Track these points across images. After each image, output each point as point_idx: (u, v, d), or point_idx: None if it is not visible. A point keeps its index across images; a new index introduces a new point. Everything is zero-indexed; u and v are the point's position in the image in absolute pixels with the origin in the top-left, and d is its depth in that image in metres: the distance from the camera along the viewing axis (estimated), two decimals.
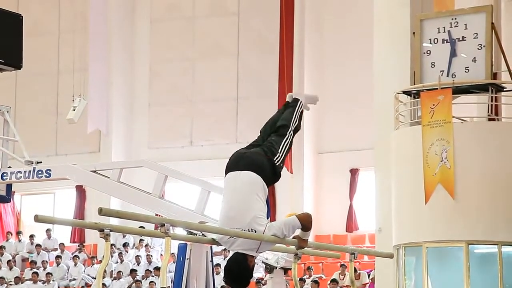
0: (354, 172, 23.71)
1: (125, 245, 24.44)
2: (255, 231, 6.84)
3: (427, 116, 15.16)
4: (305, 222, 7.03)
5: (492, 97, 15.30)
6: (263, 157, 7.05)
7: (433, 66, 15.54)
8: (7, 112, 14.21)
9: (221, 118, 25.30)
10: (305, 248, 7.43)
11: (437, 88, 15.08)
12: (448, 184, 14.95)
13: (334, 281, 19.81)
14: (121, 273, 22.82)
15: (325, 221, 23.03)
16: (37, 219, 7.27)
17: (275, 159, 7.09)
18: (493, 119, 15.55)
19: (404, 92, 15.76)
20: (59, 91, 26.11)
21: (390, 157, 16.00)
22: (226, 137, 25.17)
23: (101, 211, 6.95)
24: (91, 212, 25.24)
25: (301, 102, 7.45)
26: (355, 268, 20.17)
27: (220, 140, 25.18)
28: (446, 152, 14.99)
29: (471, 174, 14.93)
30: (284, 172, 25.45)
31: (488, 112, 15.46)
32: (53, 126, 26.51)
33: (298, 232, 7.15)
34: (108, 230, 6.94)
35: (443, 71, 15.41)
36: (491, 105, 15.42)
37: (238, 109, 25.29)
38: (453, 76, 15.40)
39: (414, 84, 15.63)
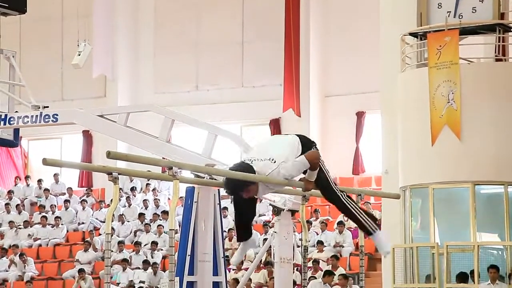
0: (360, 115, 23.69)
1: (132, 189, 24.58)
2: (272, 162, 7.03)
3: (433, 58, 15.10)
4: (313, 161, 7.10)
5: (499, 37, 15.21)
6: None
7: (439, 7, 15.42)
8: (13, 56, 14.17)
9: (226, 63, 25.22)
10: (312, 190, 7.46)
11: (444, 29, 14.99)
12: (454, 125, 14.95)
13: (340, 223, 19.93)
14: (127, 217, 23.00)
15: (331, 164, 22.91)
16: (46, 162, 7.30)
17: None
18: (500, 60, 15.49)
19: (411, 34, 15.67)
20: (64, 36, 26.00)
21: (396, 100, 15.98)
22: (231, 81, 25.12)
23: (109, 154, 6.97)
24: (98, 157, 25.33)
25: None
26: (367, 204, 20.33)
27: (226, 84, 25.14)
28: (452, 93, 14.96)
29: (477, 115, 14.93)
30: (290, 115, 25.38)
31: (495, 52, 15.39)
32: (58, 71, 26.47)
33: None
34: (116, 173, 6.97)
35: (450, 12, 15.30)
36: (498, 45, 15.34)
37: (244, 53, 25.19)
38: (460, 16, 15.29)
39: (421, 26, 15.54)
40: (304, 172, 7.23)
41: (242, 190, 7.06)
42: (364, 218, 7.33)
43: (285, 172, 7.08)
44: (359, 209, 7.37)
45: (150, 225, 22.35)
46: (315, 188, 7.31)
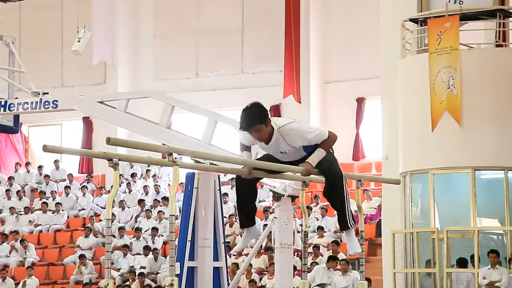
0: (360, 101, 23.69)
1: (133, 175, 24.61)
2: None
3: (434, 44, 15.08)
4: (331, 141, 7.17)
5: (499, 23, 15.19)
6: None
7: None
8: (12, 43, 14.16)
9: (226, 49, 25.19)
10: (313, 176, 7.45)
11: (444, 15, 14.97)
12: (455, 111, 14.95)
13: None
14: (127, 203, 23.04)
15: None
16: (46, 149, 7.29)
17: None
18: (501, 45, 15.47)
19: (411, 20, 15.65)
20: (64, 22, 25.96)
21: (396, 86, 15.97)
22: (232, 68, 25.10)
23: (109, 141, 6.96)
24: (98, 144, 25.34)
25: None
26: (367, 191, 20.37)
27: (226, 71, 25.12)
28: (453, 79, 14.95)
29: (477, 101, 14.93)
30: (291, 101, 25.39)
31: (495, 38, 15.37)
32: (58, 57, 26.44)
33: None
34: (117, 159, 6.96)
35: None
36: (499, 31, 15.32)
37: (244, 40, 25.16)
38: (461, 2, 15.26)
39: (421, 12, 15.51)
40: (308, 155, 7.17)
41: (255, 124, 6.84)
42: (349, 211, 7.26)
43: (299, 129, 6.99)
44: (348, 201, 7.31)
45: (151, 211, 22.40)
46: (315, 173, 7.29)
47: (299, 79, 23.35)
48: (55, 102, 13.02)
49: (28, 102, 13.22)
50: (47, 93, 13.40)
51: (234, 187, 7.12)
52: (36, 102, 13.09)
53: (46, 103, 13.05)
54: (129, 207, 23.07)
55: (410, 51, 15.93)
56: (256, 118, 6.84)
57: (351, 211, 7.29)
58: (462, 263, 14.97)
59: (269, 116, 6.96)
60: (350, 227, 7.23)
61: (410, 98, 15.64)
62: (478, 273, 14.47)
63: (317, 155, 7.17)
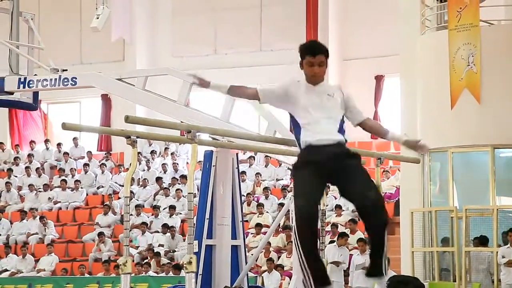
0: (379, 78, 23.57)
1: (151, 153, 24.65)
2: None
3: (454, 20, 14.96)
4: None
5: None
6: None
7: None
8: (31, 19, 14.15)
9: (245, 26, 25.10)
10: None
11: None
12: (474, 88, 14.86)
13: None
14: (147, 181, 23.10)
15: (349, 128, 22.96)
16: (65, 126, 7.32)
17: None
18: None
19: None
20: None
21: (415, 63, 15.88)
22: (250, 45, 25.02)
23: (127, 119, 6.98)
24: (116, 121, 25.34)
25: None
26: (386, 172, 20.32)
27: (244, 48, 25.04)
28: (473, 56, 14.84)
29: (497, 78, 14.82)
30: None
31: None
32: (77, 34, 26.45)
33: None
34: (135, 137, 6.98)
35: None
36: None
37: (262, 17, 25.06)
38: None
39: None
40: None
41: (326, 52, 6.04)
42: (386, 255, 6.07)
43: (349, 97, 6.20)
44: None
45: (169, 189, 22.43)
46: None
47: None
48: (74, 79, 13.03)
49: (47, 79, 13.23)
50: (66, 70, 13.41)
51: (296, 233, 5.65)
52: (55, 79, 13.10)
53: (65, 80, 13.06)
54: (146, 186, 23.12)
55: (430, 28, 15.82)
56: (327, 49, 6.10)
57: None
58: (481, 241, 14.92)
59: None
60: (384, 274, 6.06)
61: (429, 75, 15.55)
62: (497, 251, 14.42)
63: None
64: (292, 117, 6.03)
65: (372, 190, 5.77)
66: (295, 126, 6.00)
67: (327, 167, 5.80)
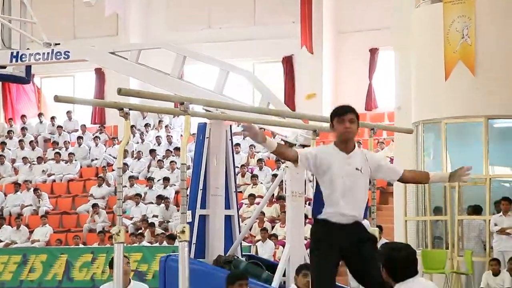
0: (373, 51, 23.56)
1: (145, 126, 24.68)
2: None
3: None
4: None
5: None
6: None
7: None
8: None
9: (239, 0, 25.04)
10: (324, 125, 7.44)
11: None
12: (468, 60, 14.88)
13: None
14: (141, 153, 23.14)
15: (344, 100, 22.86)
16: (57, 99, 7.34)
17: None
18: None
19: None
20: None
21: (410, 36, 15.87)
22: (244, 19, 24.95)
23: (120, 91, 6.99)
24: (110, 95, 25.29)
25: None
26: (381, 143, 20.37)
27: (238, 22, 24.98)
28: (467, 28, 14.85)
29: (492, 50, 14.84)
30: (303, 52, 25.17)
31: None
32: (70, 9, 26.35)
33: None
34: (127, 109, 6.99)
35: None
36: None
37: None
38: None
39: None
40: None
41: (355, 112, 6.16)
42: None
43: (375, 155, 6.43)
44: None
45: (163, 161, 22.50)
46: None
47: (312, 29, 23.22)
48: (66, 53, 12.99)
49: (40, 53, 13.19)
50: (59, 43, 13.36)
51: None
52: (48, 53, 13.07)
53: (58, 53, 13.03)
54: (140, 159, 23.16)
55: (424, 1, 15.79)
56: (355, 110, 6.23)
57: None
58: (474, 210, 15.01)
59: None
60: None
61: (424, 48, 15.55)
62: (489, 220, 14.53)
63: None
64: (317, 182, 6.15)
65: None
66: (318, 192, 6.13)
67: (343, 247, 6.04)
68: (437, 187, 15.22)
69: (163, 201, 20.22)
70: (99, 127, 25.58)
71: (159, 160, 22.57)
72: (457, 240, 14.77)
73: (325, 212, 6.07)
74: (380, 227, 13.13)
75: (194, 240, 9.90)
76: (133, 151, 23.34)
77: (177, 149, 22.36)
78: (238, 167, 19.56)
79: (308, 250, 6.13)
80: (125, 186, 20.52)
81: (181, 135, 23.34)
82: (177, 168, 21.35)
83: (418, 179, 6.63)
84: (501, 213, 14.48)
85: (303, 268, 8.52)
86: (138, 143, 23.89)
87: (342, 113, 6.13)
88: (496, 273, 13.91)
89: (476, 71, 14.82)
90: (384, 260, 5.39)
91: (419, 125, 15.53)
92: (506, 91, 14.79)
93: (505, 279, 13.83)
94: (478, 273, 14.56)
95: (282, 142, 10.15)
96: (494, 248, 14.46)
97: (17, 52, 13.38)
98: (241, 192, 19.10)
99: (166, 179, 21.25)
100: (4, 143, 25.22)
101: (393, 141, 18.43)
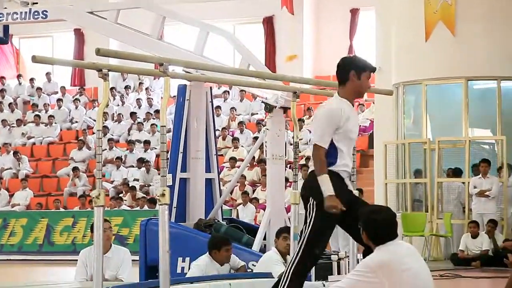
0: (354, 12, 23.47)
1: (126, 88, 24.52)
2: None
3: None
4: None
5: None
6: None
7: None
8: None
9: None
10: (305, 87, 7.38)
11: None
12: (449, 21, 14.85)
13: None
14: (121, 116, 23.01)
15: (325, 61, 22.97)
16: (35, 59, 7.20)
17: None
18: None
19: None
20: None
21: None
22: None
23: (98, 51, 6.88)
24: (89, 56, 25.10)
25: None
26: (361, 105, 20.34)
27: None
28: None
29: (472, 11, 14.81)
30: (284, 12, 24.99)
31: None
32: None
33: None
34: (106, 70, 6.89)
35: None
36: None
37: None
38: None
39: None
40: None
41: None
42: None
43: None
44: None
45: (143, 124, 22.39)
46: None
47: None
48: (44, 12, 12.81)
49: (17, 12, 13.02)
50: (36, 2, 13.19)
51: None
52: (25, 12, 12.88)
53: (36, 13, 12.85)
54: (120, 122, 23.05)
55: None
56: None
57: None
58: (453, 172, 15.07)
59: None
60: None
61: (404, 8, 15.49)
62: (469, 182, 14.58)
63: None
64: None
65: None
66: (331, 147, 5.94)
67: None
68: (417, 150, 15.26)
69: (143, 164, 20.15)
70: (78, 89, 25.41)
71: (139, 122, 22.46)
72: (437, 203, 14.84)
73: (337, 165, 5.91)
74: (360, 190, 13.16)
75: (174, 204, 9.88)
76: (113, 113, 23.20)
77: (157, 111, 22.26)
78: (218, 130, 19.51)
79: (308, 203, 5.81)
80: (105, 149, 20.43)
81: (162, 97, 23.22)
82: (157, 131, 21.27)
83: None
84: (480, 176, 14.54)
85: (283, 231, 8.52)
86: (118, 105, 23.75)
87: (374, 69, 6.18)
88: (474, 235, 13.99)
89: (456, 32, 14.80)
90: (364, 223, 5.39)
91: (400, 87, 15.51)
92: (486, 53, 14.79)
93: (483, 241, 13.92)
94: (457, 236, 14.66)
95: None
96: (473, 210, 14.54)
97: None
98: (222, 155, 19.07)
99: (146, 142, 21.17)
100: None
101: (373, 103, 18.42)
